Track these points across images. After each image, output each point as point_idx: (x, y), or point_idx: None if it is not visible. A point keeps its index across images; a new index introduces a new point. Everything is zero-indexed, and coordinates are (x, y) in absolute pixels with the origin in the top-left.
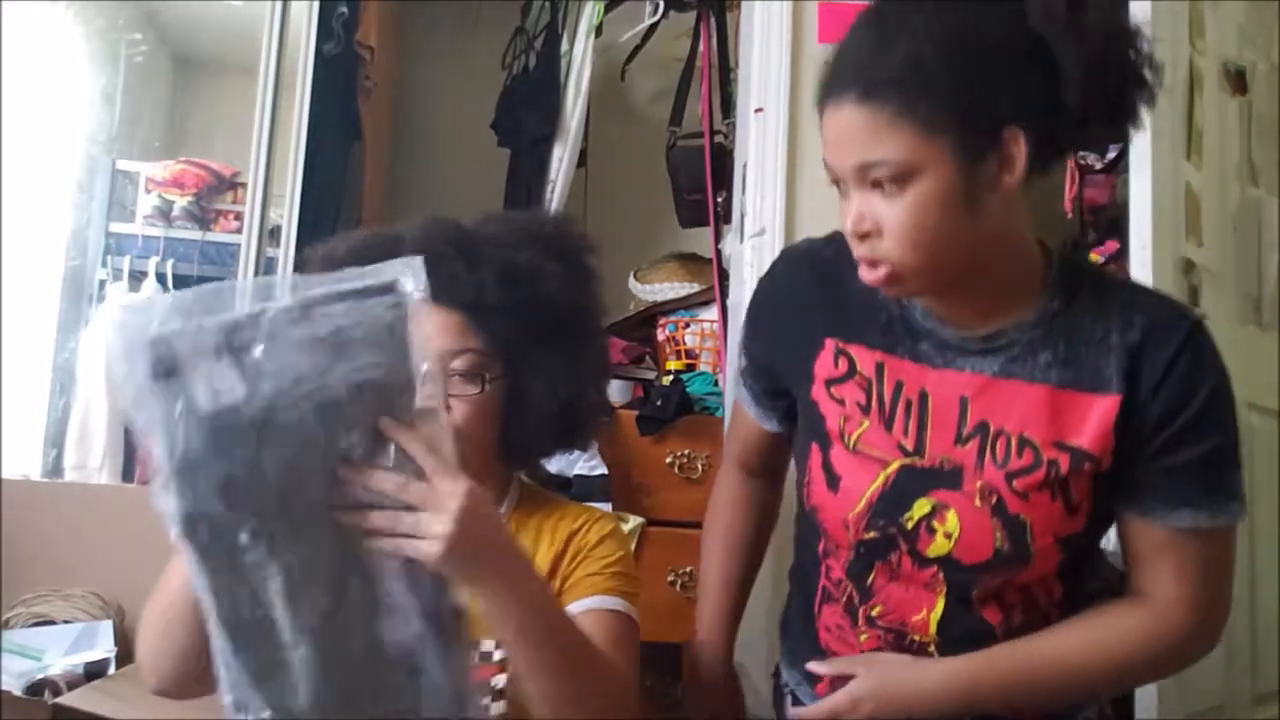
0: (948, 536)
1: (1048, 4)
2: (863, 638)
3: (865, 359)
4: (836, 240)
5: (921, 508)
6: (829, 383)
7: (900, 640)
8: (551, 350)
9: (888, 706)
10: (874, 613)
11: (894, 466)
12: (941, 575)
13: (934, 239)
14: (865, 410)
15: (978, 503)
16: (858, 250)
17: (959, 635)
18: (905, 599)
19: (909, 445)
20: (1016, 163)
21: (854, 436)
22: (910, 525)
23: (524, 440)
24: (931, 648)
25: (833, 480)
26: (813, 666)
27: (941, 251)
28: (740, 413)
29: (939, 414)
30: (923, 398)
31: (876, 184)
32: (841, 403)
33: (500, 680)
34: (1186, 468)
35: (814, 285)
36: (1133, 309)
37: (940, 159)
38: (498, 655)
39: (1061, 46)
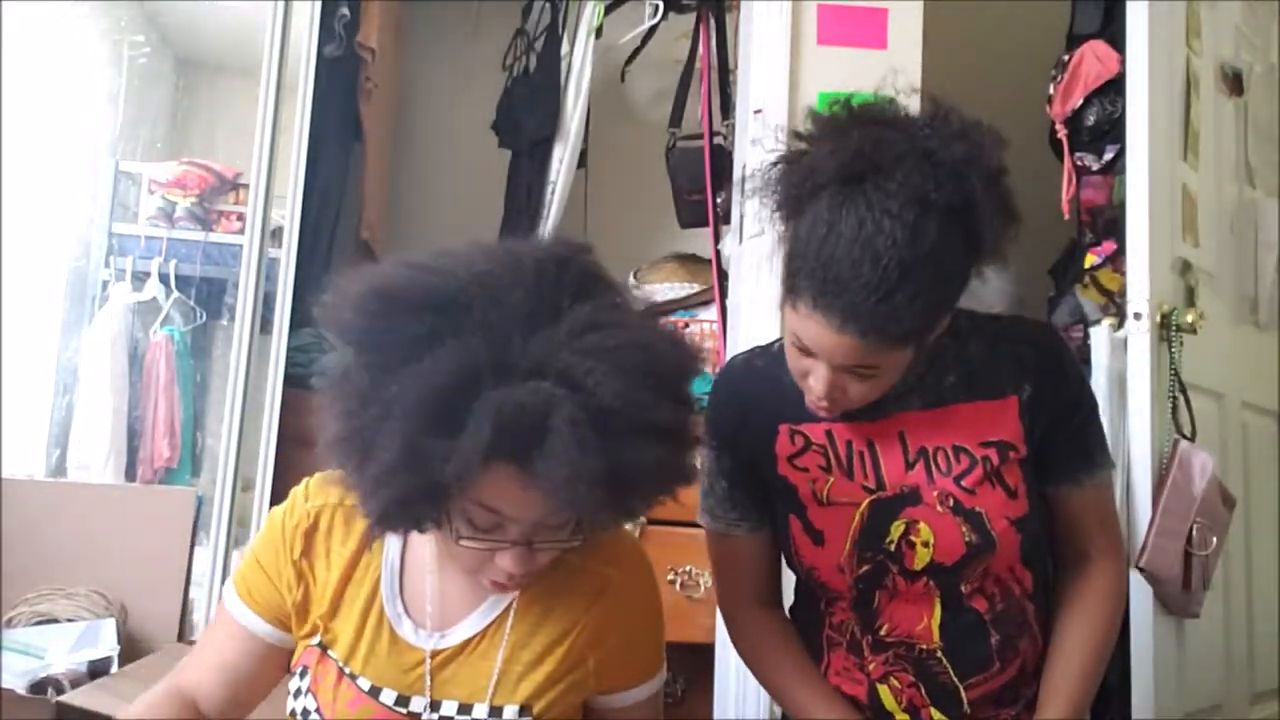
0: (926, 545)
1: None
2: (871, 666)
3: (815, 431)
4: (768, 352)
5: (897, 529)
6: (790, 459)
7: (910, 651)
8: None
9: None
10: (882, 632)
11: (864, 504)
12: (932, 583)
13: (889, 386)
14: (828, 470)
15: (939, 509)
16: (819, 404)
17: (958, 633)
18: (908, 613)
19: (871, 484)
20: (943, 324)
21: (825, 491)
22: (893, 547)
23: None
24: (938, 653)
25: (817, 537)
26: None
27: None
28: (732, 547)
29: (887, 452)
30: (870, 445)
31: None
32: (805, 470)
33: None
34: (1089, 437)
35: (757, 387)
36: (1009, 332)
37: (907, 354)
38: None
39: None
